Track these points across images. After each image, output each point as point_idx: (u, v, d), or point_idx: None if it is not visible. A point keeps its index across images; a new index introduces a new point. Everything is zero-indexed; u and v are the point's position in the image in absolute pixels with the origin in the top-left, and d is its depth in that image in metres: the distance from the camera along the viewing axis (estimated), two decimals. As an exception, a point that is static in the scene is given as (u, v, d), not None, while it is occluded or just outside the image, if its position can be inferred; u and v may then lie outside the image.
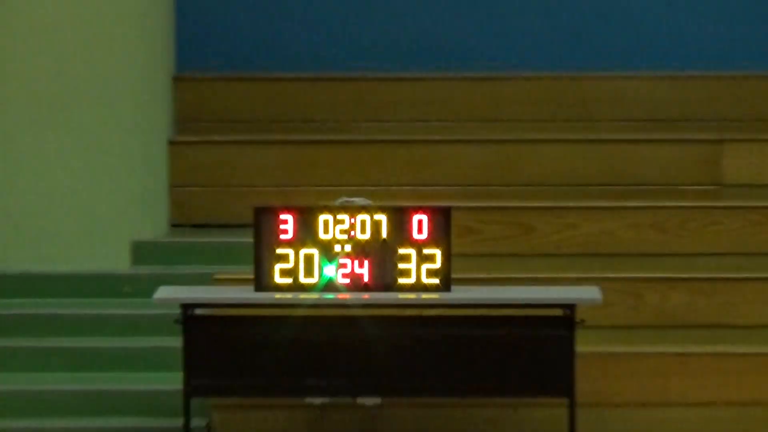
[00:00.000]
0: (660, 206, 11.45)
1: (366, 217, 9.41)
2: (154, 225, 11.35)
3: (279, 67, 12.85)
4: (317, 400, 9.84)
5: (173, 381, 9.59)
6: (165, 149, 11.58)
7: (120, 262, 11.02)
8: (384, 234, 9.29)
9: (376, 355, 9.37)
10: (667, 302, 10.57)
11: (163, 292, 9.61)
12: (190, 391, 9.33)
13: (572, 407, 9.25)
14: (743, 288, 10.96)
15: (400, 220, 9.36)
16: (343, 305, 9.43)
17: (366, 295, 9.34)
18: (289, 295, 9.34)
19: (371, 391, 9.70)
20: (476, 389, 9.62)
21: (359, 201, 9.66)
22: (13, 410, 10.00)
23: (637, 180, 12.08)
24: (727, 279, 11.03)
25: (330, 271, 9.31)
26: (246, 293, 9.50)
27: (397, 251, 9.30)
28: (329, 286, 9.30)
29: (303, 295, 9.33)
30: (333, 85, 12.61)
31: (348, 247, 9.28)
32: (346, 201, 9.69)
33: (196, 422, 9.58)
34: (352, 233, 9.38)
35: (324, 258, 9.31)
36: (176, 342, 9.45)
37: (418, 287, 9.31)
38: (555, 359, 9.36)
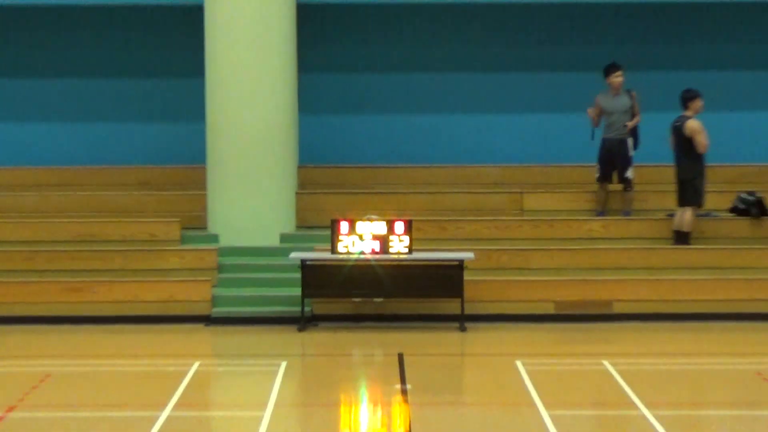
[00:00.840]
0: (500, 219, 11.51)
1: (377, 223, 10.22)
2: (289, 226, 11.48)
3: (343, 161, 12.76)
4: (357, 299, 10.40)
5: (297, 291, 10.15)
6: (294, 196, 11.61)
7: (275, 242, 11.22)
8: (384, 230, 10.12)
9: (381, 280, 10.11)
10: (501, 259, 10.92)
11: (293, 255, 10.28)
12: (304, 295, 10.12)
13: (462, 302, 9.95)
14: (530, 251, 11.11)
15: (391, 224, 10.16)
16: (367, 260, 10.05)
17: (377, 256, 10.11)
18: (345, 256, 10.11)
19: (379, 295, 10.36)
20: (423, 294, 10.27)
21: (375, 217, 10.43)
22: (227, 303, 10.40)
23: (491, 210, 11.91)
24: (526, 249, 11.22)
25: (362, 245, 10.11)
26: (327, 255, 10.20)
27: (389, 237, 10.09)
28: (362, 252, 10.10)
29: (351, 256, 10.11)
30: (366, 169, 12.60)
31: (370, 236, 10.09)
32: (369, 217, 10.45)
33: (307, 308, 10.26)
34: (372, 230, 10.23)
35: (360, 239, 10.14)
36: (298, 275, 10.14)
37: (399, 252, 10.16)
38: (455, 282, 10.05)
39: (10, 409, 6.93)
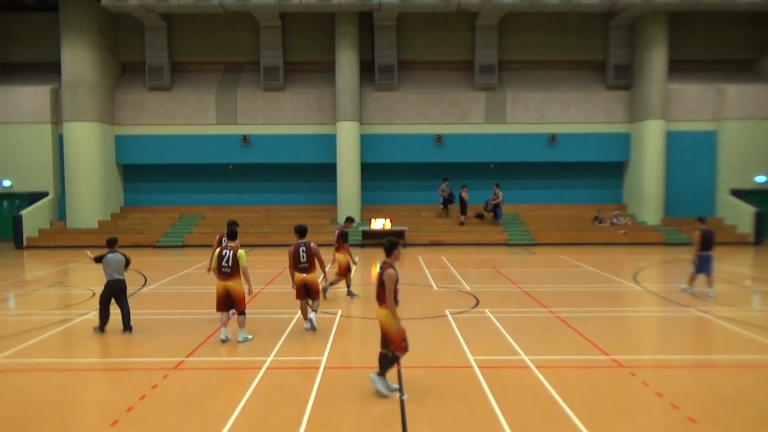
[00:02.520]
0: (414, 218, 11.67)
1: (381, 219, 10.62)
2: (358, 220, 11.50)
3: (372, 203, 12.09)
4: (376, 240, 10.74)
5: (360, 238, 10.67)
6: (360, 212, 11.26)
7: (356, 224, 11.36)
8: (383, 222, 10.51)
9: (382, 235, 10.16)
10: (414, 229, 11.01)
11: (360, 228, 10.87)
12: (363, 239, 10.27)
13: (404, 239, 10.64)
14: (422, 227, 11.57)
15: (385, 220, 10.57)
16: (380, 232, 10.39)
17: (382, 229, 10.47)
18: (373, 229, 10.44)
19: (382, 238, 10.59)
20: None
21: (381, 219, 10.43)
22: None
23: (412, 217, 11.74)
24: (422, 226, 11.75)
25: (377, 226, 10.48)
26: (368, 228, 10.62)
27: (384, 224, 10.52)
28: (377, 228, 10.45)
29: (375, 229, 10.53)
30: (379, 205, 11.90)
31: (380, 223, 10.40)
32: (378, 219, 10.39)
33: (364, 242, 10.38)
34: (380, 222, 10.53)
35: (379, 224, 10.50)
36: (360, 233, 10.57)
37: (387, 228, 10.66)
38: (402, 235, 10.70)
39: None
